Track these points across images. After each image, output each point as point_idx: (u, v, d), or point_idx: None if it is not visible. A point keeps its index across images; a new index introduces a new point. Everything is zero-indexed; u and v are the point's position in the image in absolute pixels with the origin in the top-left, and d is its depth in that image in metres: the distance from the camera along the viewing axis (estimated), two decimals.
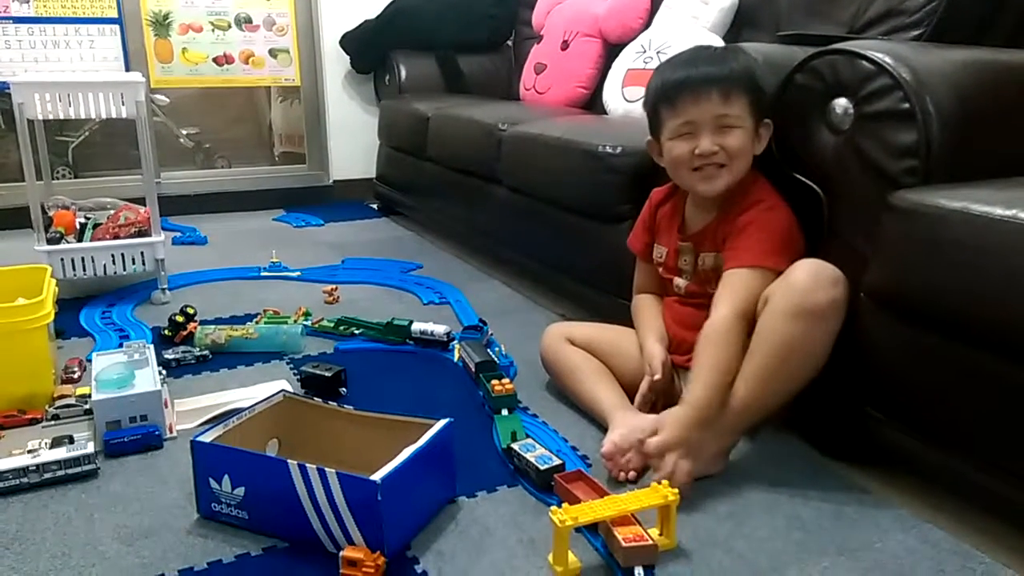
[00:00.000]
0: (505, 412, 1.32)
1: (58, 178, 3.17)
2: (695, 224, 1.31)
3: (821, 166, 1.17)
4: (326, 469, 0.96)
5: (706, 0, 2.11)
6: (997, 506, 1.04)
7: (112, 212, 2.04)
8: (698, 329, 1.22)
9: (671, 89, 1.22)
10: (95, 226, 1.97)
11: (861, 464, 1.19)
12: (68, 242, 1.91)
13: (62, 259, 1.87)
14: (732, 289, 1.18)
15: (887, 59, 1.06)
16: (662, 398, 1.30)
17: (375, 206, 3.26)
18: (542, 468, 1.12)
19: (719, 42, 2.00)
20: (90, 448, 1.17)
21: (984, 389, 0.96)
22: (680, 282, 1.34)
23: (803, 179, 1.21)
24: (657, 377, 1.26)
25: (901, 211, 1.02)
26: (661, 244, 1.38)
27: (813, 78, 1.16)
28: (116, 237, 1.94)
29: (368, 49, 3.15)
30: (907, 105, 1.03)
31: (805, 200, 1.20)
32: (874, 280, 1.08)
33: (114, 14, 2.90)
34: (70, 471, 1.15)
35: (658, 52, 2.21)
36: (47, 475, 1.14)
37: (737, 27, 2.07)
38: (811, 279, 1.09)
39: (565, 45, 2.67)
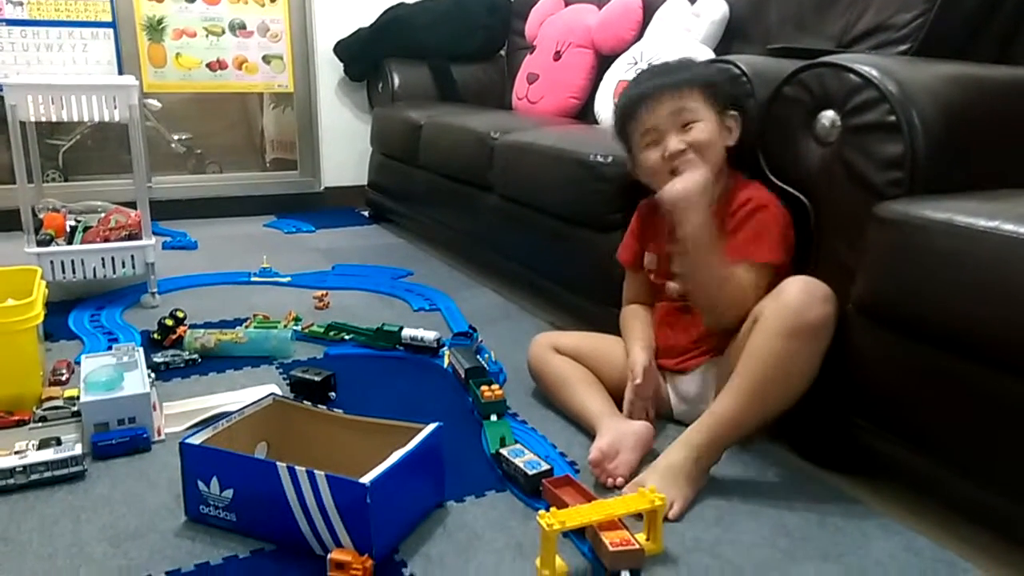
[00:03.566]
0: (494, 417, 1.32)
1: (48, 182, 3.16)
2: None
3: (808, 177, 1.19)
4: (315, 471, 0.96)
5: (697, 12, 2.13)
6: (981, 514, 1.06)
7: (103, 215, 2.03)
8: (689, 332, 1.23)
9: (629, 105, 1.29)
10: (85, 229, 1.97)
11: (847, 473, 1.20)
12: (58, 244, 1.91)
13: (52, 261, 1.86)
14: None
15: (874, 72, 1.08)
16: (652, 404, 1.31)
17: (366, 213, 3.26)
18: (530, 473, 1.12)
19: (710, 54, 2.02)
20: (78, 450, 1.16)
21: (967, 398, 0.97)
22: (673, 285, 1.35)
23: (790, 190, 1.22)
24: (638, 382, 1.27)
25: (886, 222, 1.04)
26: (652, 251, 1.39)
27: (801, 90, 1.18)
28: (106, 240, 1.94)
29: (362, 57, 3.17)
30: (893, 118, 1.05)
31: (792, 211, 1.22)
32: (860, 291, 1.09)
33: (108, 18, 2.91)
34: (57, 473, 1.14)
35: (650, 64, 2.22)
36: (34, 476, 1.13)
37: (728, 40, 2.09)
38: (804, 296, 1.09)
39: (558, 56, 2.69)
